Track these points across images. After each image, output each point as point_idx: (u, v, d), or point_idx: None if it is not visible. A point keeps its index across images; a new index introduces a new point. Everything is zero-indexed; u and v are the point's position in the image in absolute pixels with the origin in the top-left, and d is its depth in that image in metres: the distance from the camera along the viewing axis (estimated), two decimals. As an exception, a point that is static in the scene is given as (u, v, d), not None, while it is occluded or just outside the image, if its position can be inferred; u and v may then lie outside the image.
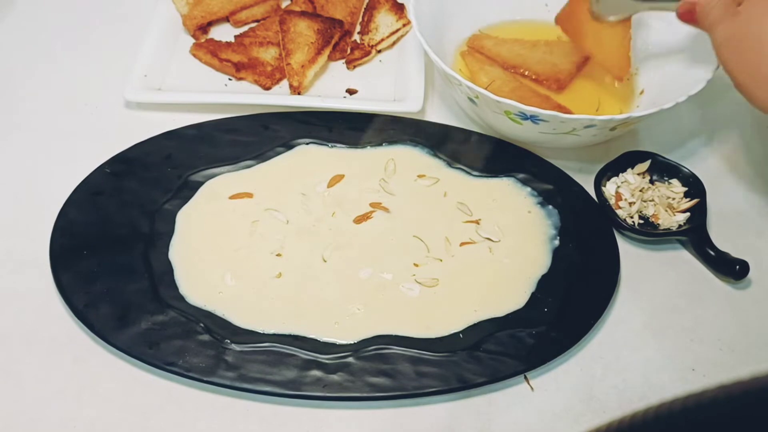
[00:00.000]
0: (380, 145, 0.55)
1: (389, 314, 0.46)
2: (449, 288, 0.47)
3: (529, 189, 0.53)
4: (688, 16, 0.50)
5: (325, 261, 0.48)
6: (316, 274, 0.48)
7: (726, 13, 0.46)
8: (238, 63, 0.61)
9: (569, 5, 0.56)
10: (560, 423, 0.43)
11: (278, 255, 0.49)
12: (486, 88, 0.50)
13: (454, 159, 0.54)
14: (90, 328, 0.44)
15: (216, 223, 0.50)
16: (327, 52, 0.61)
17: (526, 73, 0.60)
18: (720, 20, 0.46)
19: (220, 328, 0.45)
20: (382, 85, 0.61)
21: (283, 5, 0.67)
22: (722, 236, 0.51)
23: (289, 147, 0.55)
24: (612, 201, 0.52)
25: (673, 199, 0.52)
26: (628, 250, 0.50)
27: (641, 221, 0.51)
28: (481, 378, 0.43)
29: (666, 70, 0.58)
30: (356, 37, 0.65)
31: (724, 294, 0.49)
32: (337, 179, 0.53)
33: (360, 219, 0.51)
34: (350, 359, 0.43)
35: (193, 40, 0.64)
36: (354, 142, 0.55)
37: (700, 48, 0.57)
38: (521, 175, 0.53)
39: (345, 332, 0.45)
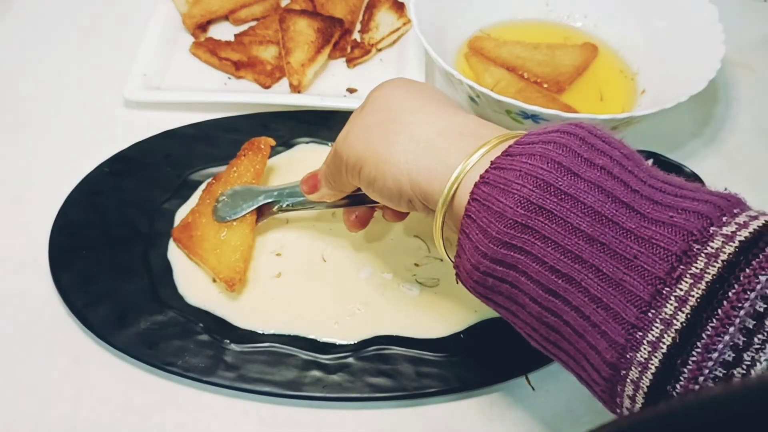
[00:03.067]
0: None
1: (389, 314, 0.46)
2: (450, 288, 0.47)
3: (529, 188, 0.53)
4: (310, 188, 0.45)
5: (325, 261, 0.48)
6: (316, 273, 0.48)
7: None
8: (237, 62, 0.60)
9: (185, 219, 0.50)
10: (561, 423, 0.43)
11: (278, 255, 0.48)
12: (492, 90, 0.50)
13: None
14: (89, 328, 0.44)
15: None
16: (327, 50, 0.61)
17: (526, 75, 0.59)
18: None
19: (219, 328, 0.45)
20: (383, 84, 0.61)
21: (283, 4, 0.67)
22: (723, 236, 0.51)
23: (289, 146, 0.55)
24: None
25: (674, 198, 0.52)
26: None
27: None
28: (481, 378, 0.43)
29: (667, 70, 0.58)
30: (356, 35, 0.65)
31: (725, 294, 0.49)
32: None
33: (360, 218, 0.51)
34: (350, 359, 0.43)
35: (192, 39, 0.64)
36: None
37: (702, 48, 0.57)
38: (522, 175, 0.53)
39: (345, 332, 0.45)
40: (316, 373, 0.43)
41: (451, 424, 0.42)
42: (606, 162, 0.30)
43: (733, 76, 0.64)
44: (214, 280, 0.47)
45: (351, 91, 0.61)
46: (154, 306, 0.45)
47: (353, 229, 0.46)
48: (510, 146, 0.32)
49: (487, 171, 0.31)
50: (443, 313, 0.46)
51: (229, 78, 0.61)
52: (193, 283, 0.47)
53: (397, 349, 0.44)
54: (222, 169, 0.53)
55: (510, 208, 0.30)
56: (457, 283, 0.35)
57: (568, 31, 0.64)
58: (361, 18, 0.66)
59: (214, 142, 0.54)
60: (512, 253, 0.30)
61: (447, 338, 0.45)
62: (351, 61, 0.62)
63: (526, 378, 0.44)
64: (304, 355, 0.43)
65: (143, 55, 0.60)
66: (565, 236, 0.29)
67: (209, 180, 0.50)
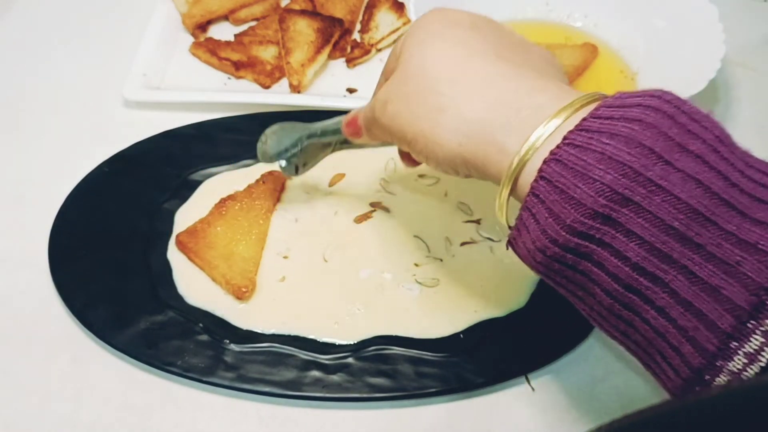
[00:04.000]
0: (380, 144, 0.55)
1: (389, 314, 0.46)
2: (449, 288, 0.47)
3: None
4: (351, 128, 0.42)
5: (326, 261, 0.48)
6: (317, 274, 0.48)
7: (381, 81, 0.38)
8: (237, 62, 0.60)
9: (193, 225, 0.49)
10: (561, 423, 0.43)
11: (285, 257, 0.48)
12: None
13: (454, 158, 0.54)
14: (89, 327, 0.44)
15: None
16: (327, 50, 0.61)
17: None
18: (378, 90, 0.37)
19: (219, 328, 0.45)
20: (382, 84, 0.61)
21: (283, 4, 0.67)
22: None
23: (289, 146, 0.55)
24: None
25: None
26: (628, 250, 0.50)
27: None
28: (481, 378, 0.43)
29: (667, 70, 0.58)
30: (356, 35, 0.65)
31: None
32: (338, 178, 0.53)
33: (360, 218, 0.51)
34: (350, 359, 0.43)
35: (192, 39, 0.64)
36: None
37: (702, 48, 0.57)
38: (522, 175, 0.53)
39: (345, 332, 0.45)
40: (315, 373, 0.43)
41: (451, 424, 0.42)
42: (701, 148, 0.27)
43: (734, 76, 0.64)
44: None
45: (351, 91, 0.61)
46: (153, 306, 0.45)
47: (409, 165, 0.44)
48: (585, 119, 0.28)
49: (559, 147, 0.28)
50: (443, 313, 0.46)
51: (229, 78, 0.61)
52: (193, 283, 0.47)
53: (396, 349, 0.44)
54: (222, 169, 0.53)
55: (590, 197, 0.27)
56: (508, 249, 0.33)
57: (568, 31, 0.64)
58: (360, 18, 0.66)
59: (214, 142, 0.54)
60: (588, 244, 0.27)
61: (447, 338, 0.45)
62: (351, 61, 0.62)
63: (526, 378, 0.44)
64: (304, 355, 0.43)
65: (143, 55, 0.60)
66: (654, 233, 0.26)
67: (222, 197, 0.50)
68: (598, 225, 0.27)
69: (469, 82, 0.32)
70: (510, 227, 0.32)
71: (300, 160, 0.48)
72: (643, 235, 0.26)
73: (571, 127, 0.28)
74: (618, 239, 0.27)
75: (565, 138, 0.28)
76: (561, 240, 0.28)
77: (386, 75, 0.39)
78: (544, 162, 0.28)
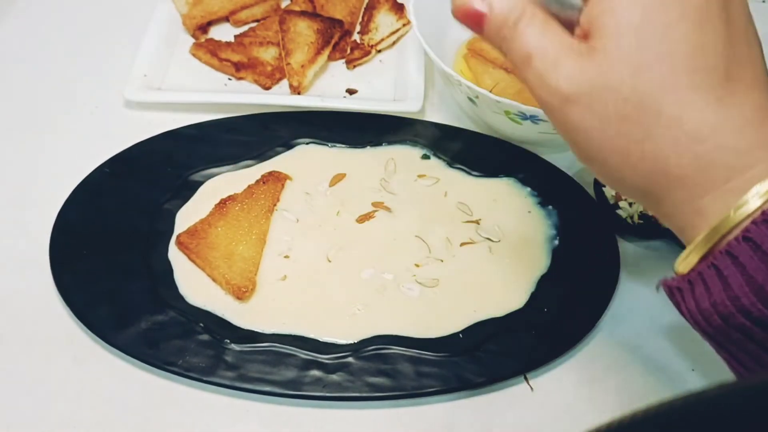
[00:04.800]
0: (380, 144, 0.55)
1: (389, 314, 0.46)
2: (449, 288, 0.47)
3: (529, 189, 0.53)
4: (468, 14, 0.31)
5: (330, 261, 0.48)
6: (320, 274, 0.48)
7: (561, 47, 0.29)
8: (237, 63, 0.61)
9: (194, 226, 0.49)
10: (560, 423, 0.43)
11: (286, 257, 0.49)
12: (491, 91, 0.50)
13: (454, 159, 0.54)
14: (90, 327, 0.44)
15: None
16: (327, 52, 0.61)
17: None
18: (550, 55, 0.29)
19: (219, 328, 0.45)
20: (382, 85, 0.61)
21: (283, 5, 0.67)
22: (722, 236, 0.51)
23: (289, 147, 0.55)
24: (612, 201, 0.52)
25: (673, 199, 0.52)
26: (628, 250, 0.50)
27: (641, 221, 0.51)
28: (481, 378, 0.43)
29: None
30: (356, 36, 0.65)
31: (723, 294, 0.49)
32: (338, 178, 0.53)
33: (363, 218, 0.51)
34: (350, 359, 0.43)
35: (192, 40, 0.64)
36: (354, 142, 0.55)
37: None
38: (521, 175, 0.53)
39: (345, 332, 0.45)
40: (316, 373, 0.43)
41: (451, 424, 0.42)
42: None
43: (732, 78, 0.64)
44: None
45: (351, 92, 0.61)
46: (154, 306, 0.45)
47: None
48: None
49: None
50: (443, 313, 0.46)
51: (230, 79, 0.61)
52: (194, 283, 0.47)
53: (396, 349, 0.44)
54: (223, 169, 0.53)
55: None
56: (658, 290, 0.30)
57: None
58: (360, 19, 0.66)
59: (214, 142, 0.54)
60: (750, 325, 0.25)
61: (447, 338, 0.45)
62: (351, 63, 0.62)
63: (525, 378, 0.44)
64: (304, 354, 0.44)
65: (144, 56, 0.60)
66: None
67: (223, 197, 0.50)
68: None
69: (671, 116, 0.27)
70: (675, 274, 0.29)
71: None
72: None
73: None
74: None
75: None
76: (756, 313, 0.25)
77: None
78: (753, 222, 0.25)
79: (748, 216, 0.25)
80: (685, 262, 0.28)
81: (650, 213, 0.29)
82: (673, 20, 0.27)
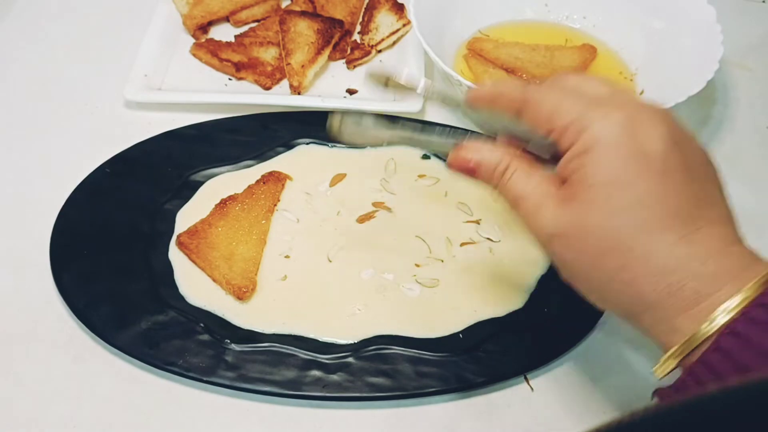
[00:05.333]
0: (380, 144, 0.55)
1: (389, 314, 0.46)
2: (449, 288, 0.47)
3: (529, 189, 0.53)
4: (462, 167, 0.37)
5: (330, 261, 0.48)
6: (320, 274, 0.48)
7: (543, 194, 0.34)
8: (238, 63, 0.61)
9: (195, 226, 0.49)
10: (560, 423, 0.43)
11: (287, 257, 0.49)
12: None
13: (454, 159, 0.54)
14: (90, 327, 0.44)
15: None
16: (327, 52, 0.61)
17: (524, 76, 0.60)
18: (535, 197, 0.34)
19: (220, 328, 0.45)
20: (382, 85, 0.61)
21: (283, 5, 0.67)
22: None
23: (289, 147, 0.55)
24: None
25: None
26: (627, 250, 0.50)
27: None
28: (481, 378, 0.43)
29: (665, 71, 0.58)
30: (356, 36, 0.65)
31: (723, 294, 0.49)
32: (339, 178, 0.53)
33: (363, 218, 0.51)
34: (350, 359, 0.43)
35: (193, 40, 0.64)
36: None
37: (700, 49, 0.57)
38: (521, 175, 0.53)
39: (345, 332, 0.45)
40: (316, 373, 0.43)
41: (451, 424, 0.42)
42: None
43: (732, 77, 0.64)
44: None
45: (351, 92, 0.61)
46: (154, 306, 0.45)
47: None
48: (763, 294, 0.29)
49: (736, 321, 0.29)
50: (443, 313, 0.46)
51: (230, 79, 0.61)
52: (195, 283, 0.47)
53: (396, 349, 0.44)
54: (223, 169, 0.53)
55: None
56: (653, 399, 0.33)
57: (567, 32, 0.64)
58: (360, 19, 0.66)
59: (214, 142, 0.54)
60: None
61: (447, 338, 0.45)
62: (351, 63, 0.62)
63: (525, 378, 0.44)
64: (304, 354, 0.44)
65: (144, 56, 0.60)
66: None
67: (223, 197, 0.50)
68: None
69: (654, 260, 0.31)
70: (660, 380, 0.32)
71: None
72: None
73: (742, 303, 0.29)
74: None
75: (743, 314, 0.29)
76: None
77: (563, 169, 0.34)
78: (722, 334, 0.29)
79: (717, 330, 0.29)
80: (662, 367, 0.32)
81: (632, 327, 0.34)
82: (637, 176, 0.31)
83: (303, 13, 0.63)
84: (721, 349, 0.29)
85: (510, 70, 0.60)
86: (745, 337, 0.28)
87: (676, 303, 0.31)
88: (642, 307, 0.32)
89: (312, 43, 0.60)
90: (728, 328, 0.29)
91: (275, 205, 0.51)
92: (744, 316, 0.29)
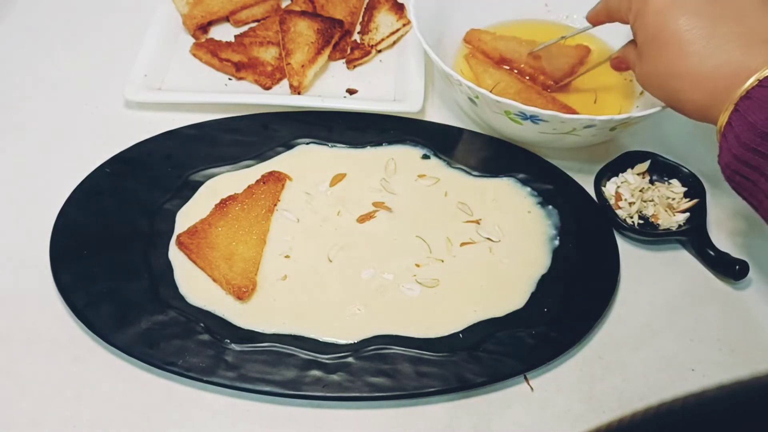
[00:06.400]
0: (380, 144, 0.55)
1: (389, 314, 0.46)
2: (449, 288, 0.47)
3: (529, 189, 0.53)
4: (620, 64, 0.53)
5: (330, 261, 0.48)
6: (320, 274, 0.48)
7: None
8: (238, 63, 0.61)
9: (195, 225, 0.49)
10: (560, 423, 0.43)
11: (287, 257, 0.49)
12: (491, 91, 0.51)
13: (454, 159, 0.54)
14: (90, 327, 0.44)
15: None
16: (327, 52, 0.61)
17: (522, 66, 0.60)
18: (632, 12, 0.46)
19: (220, 328, 0.45)
20: (382, 84, 0.61)
21: (283, 5, 0.67)
22: (722, 236, 0.51)
23: (289, 147, 0.55)
24: (612, 201, 0.52)
25: (673, 199, 0.52)
26: (628, 250, 0.51)
27: (641, 221, 0.51)
28: (481, 378, 0.43)
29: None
30: (356, 36, 0.65)
31: (724, 294, 0.49)
32: (339, 178, 0.53)
33: (363, 218, 0.51)
34: (350, 359, 0.43)
35: (193, 40, 0.64)
36: (354, 142, 0.55)
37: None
38: (521, 175, 0.53)
39: (345, 332, 0.45)
40: (316, 373, 0.43)
41: (451, 423, 0.42)
42: None
43: (732, 77, 0.64)
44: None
45: (351, 92, 0.61)
46: (154, 306, 0.45)
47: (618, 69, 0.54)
48: None
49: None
50: (443, 313, 0.46)
51: (230, 79, 0.61)
52: (194, 283, 0.47)
53: (396, 349, 0.44)
54: (223, 169, 0.53)
55: (763, 121, 0.36)
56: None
57: (566, 32, 0.64)
58: (360, 19, 0.66)
59: (214, 142, 0.54)
60: (757, 157, 0.37)
61: (447, 338, 0.45)
62: (351, 63, 0.62)
63: (525, 378, 0.44)
64: (304, 354, 0.44)
65: (144, 56, 0.60)
66: None
67: (223, 197, 0.50)
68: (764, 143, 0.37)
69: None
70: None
71: None
72: None
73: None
74: None
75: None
76: (740, 155, 0.39)
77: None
78: (754, 87, 0.38)
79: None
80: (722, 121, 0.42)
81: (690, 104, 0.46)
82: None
83: (303, 13, 0.63)
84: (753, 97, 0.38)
85: (507, 62, 0.60)
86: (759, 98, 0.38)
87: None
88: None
89: (312, 43, 0.60)
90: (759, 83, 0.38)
91: (275, 205, 0.51)
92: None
